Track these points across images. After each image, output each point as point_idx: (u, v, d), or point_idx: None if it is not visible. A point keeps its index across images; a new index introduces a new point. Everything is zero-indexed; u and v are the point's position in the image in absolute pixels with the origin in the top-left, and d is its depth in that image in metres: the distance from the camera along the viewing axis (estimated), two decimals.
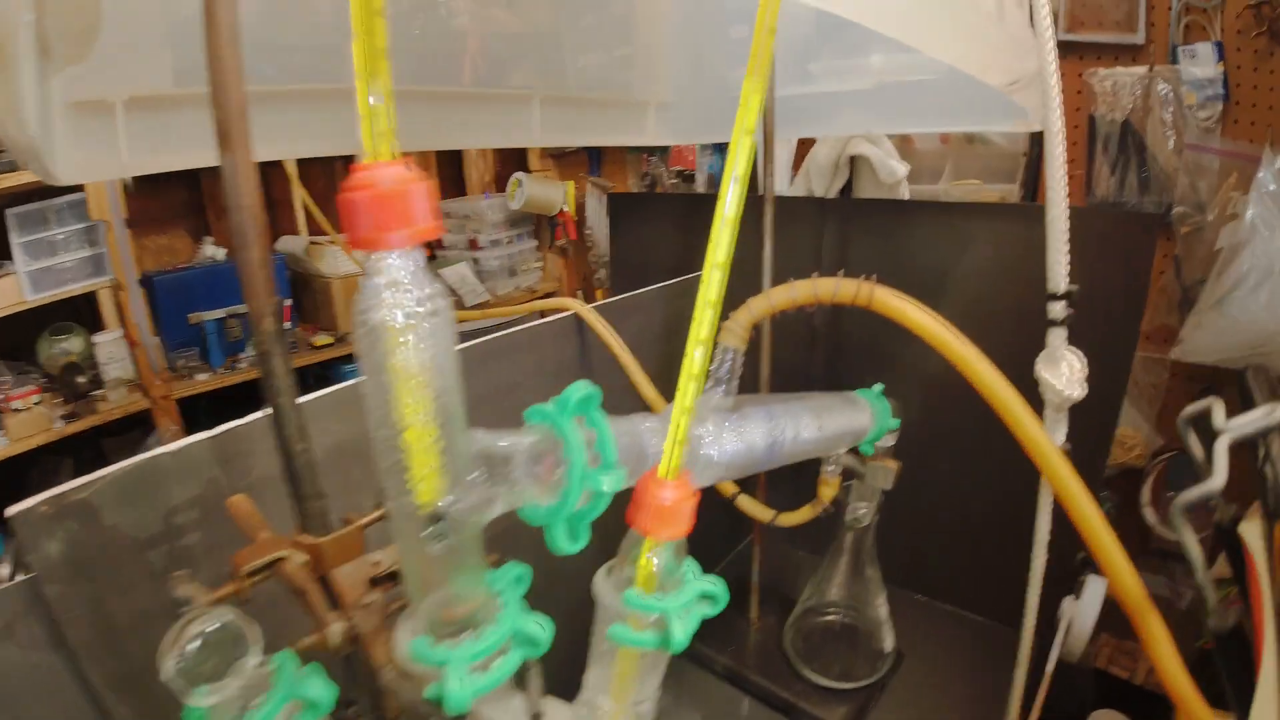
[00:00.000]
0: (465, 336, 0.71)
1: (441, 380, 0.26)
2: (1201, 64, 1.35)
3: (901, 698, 0.88)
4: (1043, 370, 0.49)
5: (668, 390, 0.81)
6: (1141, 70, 1.42)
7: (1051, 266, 0.47)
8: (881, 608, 0.89)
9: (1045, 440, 0.44)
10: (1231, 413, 0.40)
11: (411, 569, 0.28)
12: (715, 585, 0.35)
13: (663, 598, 0.33)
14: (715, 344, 0.42)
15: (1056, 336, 0.48)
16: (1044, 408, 0.49)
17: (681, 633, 0.32)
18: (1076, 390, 0.48)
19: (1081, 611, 0.90)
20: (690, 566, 0.35)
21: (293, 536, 0.44)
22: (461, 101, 0.90)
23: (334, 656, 0.39)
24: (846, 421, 0.60)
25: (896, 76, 0.94)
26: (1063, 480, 0.44)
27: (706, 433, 0.42)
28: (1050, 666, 0.86)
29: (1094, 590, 0.91)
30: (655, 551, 0.32)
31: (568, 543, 0.32)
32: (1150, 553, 1.56)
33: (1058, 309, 0.47)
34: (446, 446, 0.27)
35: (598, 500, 0.32)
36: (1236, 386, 1.43)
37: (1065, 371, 0.48)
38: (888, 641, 0.90)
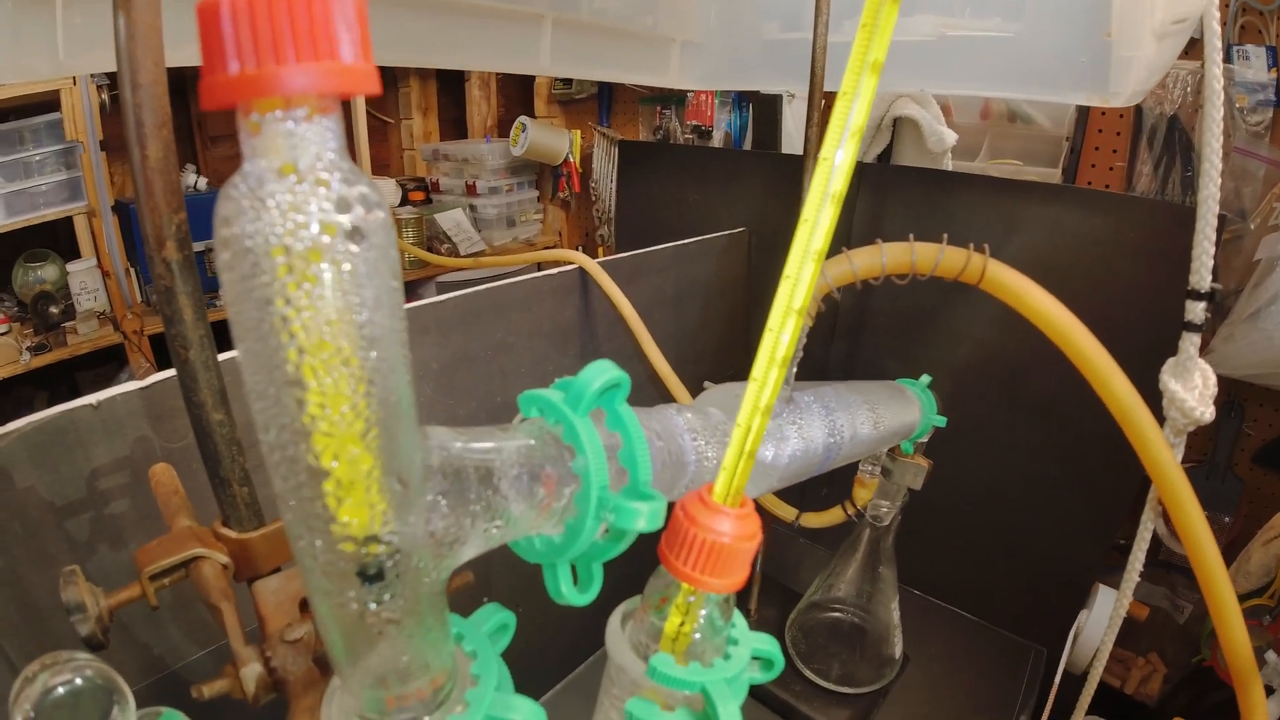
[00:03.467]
0: (459, 289, 0.62)
1: (379, 347, 0.15)
2: (1254, 68, 1.29)
3: (905, 704, 0.82)
4: (1172, 381, 0.38)
5: (676, 362, 0.72)
6: (1195, 64, 1.34)
7: (1197, 258, 0.37)
8: (894, 612, 0.83)
9: (1178, 476, 0.35)
10: (1253, 427, 0.32)
11: (335, 636, 0.18)
12: (769, 645, 0.25)
13: (702, 669, 0.23)
14: None
15: (1191, 343, 0.38)
16: (1162, 426, 0.39)
17: (729, 715, 0.23)
18: (1208, 410, 0.38)
19: (1090, 623, 0.87)
20: (737, 619, 0.25)
21: (214, 528, 0.36)
22: (467, 16, 0.79)
23: (253, 707, 0.30)
24: (899, 417, 0.50)
25: (963, 30, 0.84)
26: (1192, 525, 0.35)
27: None
28: (1058, 678, 0.83)
29: (1103, 602, 0.88)
30: (696, 605, 0.23)
31: (574, 591, 0.22)
32: (1156, 564, 1.52)
33: (1198, 310, 0.37)
34: (386, 454, 0.16)
35: (620, 536, 0.22)
36: (1259, 401, 1.36)
37: (1199, 384, 0.38)
38: (897, 648, 0.84)
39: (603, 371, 0.21)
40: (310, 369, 0.14)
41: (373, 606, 0.17)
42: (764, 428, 0.21)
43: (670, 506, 0.23)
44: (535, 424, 0.22)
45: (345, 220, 0.14)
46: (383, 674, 0.19)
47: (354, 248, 0.14)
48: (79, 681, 0.28)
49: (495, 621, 0.23)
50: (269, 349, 0.14)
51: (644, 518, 0.21)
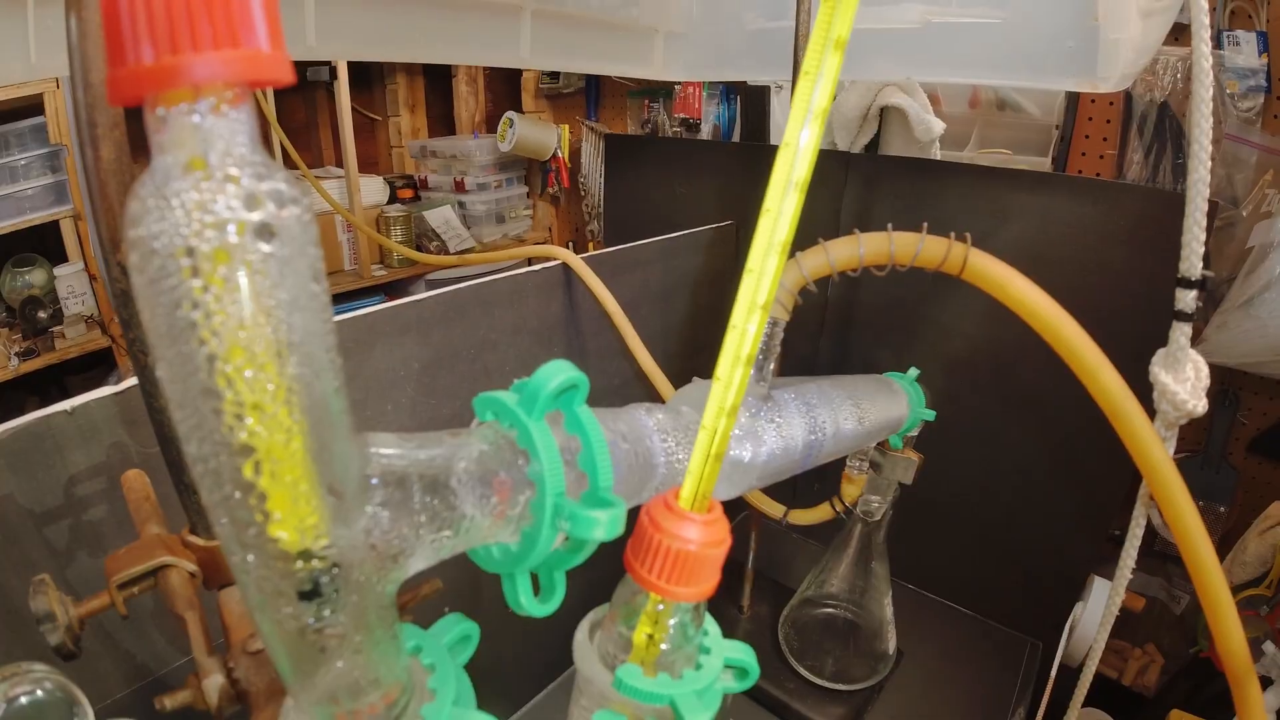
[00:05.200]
0: (449, 285, 0.60)
1: (299, 352, 0.14)
2: (1245, 53, 1.28)
3: (899, 699, 0.81)
4: (1162, 373, 0.37)
5: (664, 358, 0.71)
6: (1184, 51, 1.33)
7: (1187, 244, 0.36)
8: (887, 607, 0.82)
9: (1170, 471, 0.34)
10: (1248, 416, 0.31)
11: (279, 653, 0.17)
12: (743, 654, 0.24)
13: (671, 680, 0.22)
14: None
15: (1182, 333, 0.37)
16: (1152, 420, 0.38)
17: None
18: (1200, 402, 0.37)
19: (1086, 615, 0.86)
20: (710, 627, 0.24)
21: (182, 535, 0.35)
22: (443, 7, 0.78)
23: (217, 719, 0.29)
24: (885, 412, 0.49)
25: (948, 16, 0.83)
26: (1185, 521, 0.34)
27: (736, 425, 0.30)
28: (1054, 671, 0.83)
29: (1099, 594, 0.88)
30: (665, 614, 0.22)
31: (534, 602, 0.21)
32: (1151, 554, 1.52)
33: (1188, 299, 0.36)
34: (316, 464, 0.15)
35: (580, 544, 0.21)
36: (1254, 390, 1.36)
37: (1190, 375, 0.37)
38: (890, 643, 0.84)
39: (559, 371, 0.20)
40: (224, 377, 0.13)
41: (313, 623, 0.16)
42: (730, 430, 0.20)
43: (637, 511, 0.22)
44: (490, 428, 0.21)
45: (254, 218, 0.13)
46: (332, 690, 0.19)
47: (265, 247, 0.13)
48: (39, 693, 0.28)
49: (456, 633, 0.22)
50: (181, 356, 0.13)
51: (602, 526, 0.19)
